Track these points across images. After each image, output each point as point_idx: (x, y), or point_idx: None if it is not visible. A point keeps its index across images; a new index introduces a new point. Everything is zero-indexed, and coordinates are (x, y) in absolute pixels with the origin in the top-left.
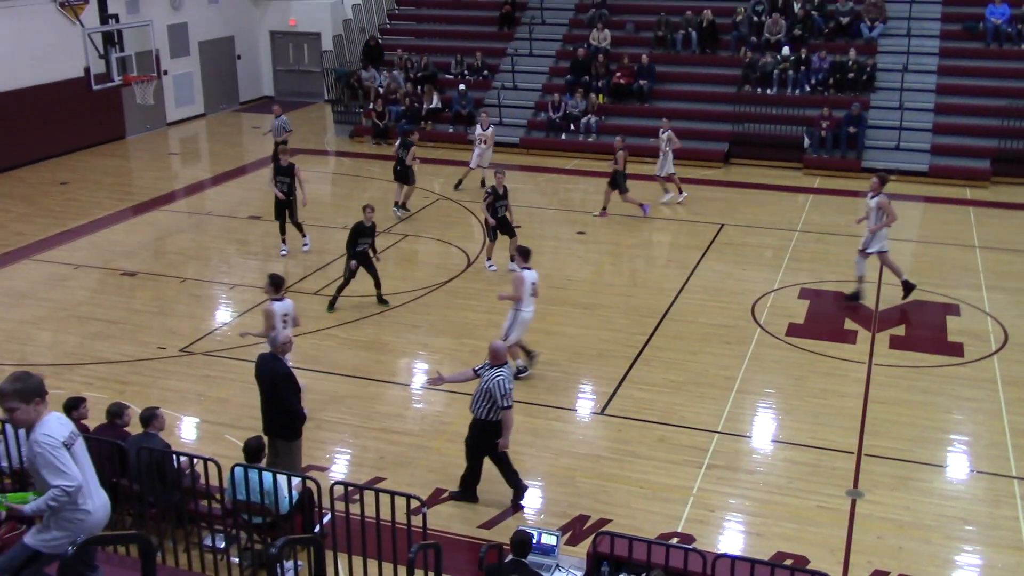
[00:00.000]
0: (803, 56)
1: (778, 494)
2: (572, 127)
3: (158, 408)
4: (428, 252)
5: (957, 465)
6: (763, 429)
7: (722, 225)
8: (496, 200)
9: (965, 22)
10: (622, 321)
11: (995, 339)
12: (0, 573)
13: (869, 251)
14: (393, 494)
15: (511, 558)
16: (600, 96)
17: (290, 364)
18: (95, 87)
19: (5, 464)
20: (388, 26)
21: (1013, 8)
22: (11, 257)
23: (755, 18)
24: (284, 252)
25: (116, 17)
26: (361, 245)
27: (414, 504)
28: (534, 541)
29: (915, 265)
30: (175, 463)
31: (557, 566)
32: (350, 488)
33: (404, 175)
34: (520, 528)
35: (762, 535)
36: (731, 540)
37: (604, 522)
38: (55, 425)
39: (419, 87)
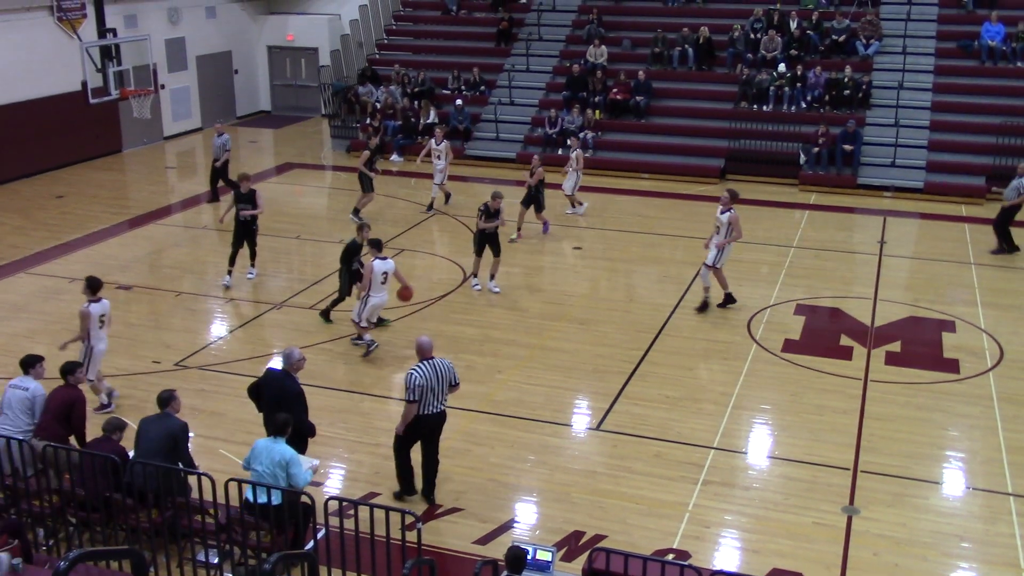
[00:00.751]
0: (799, 73)
1: (774, 510)
2: (568, 143)
3: (175, 390)
4: (424, 267)
5: (953, 482)
6: (759, 445)
7: None
8: (486, 218)
9: (960, 40)
10: (618, 336)
11: (991, 356)
12: None
13: (719, 265)
14: (388, 509)
15: (506, 574)
16: (597, 112)
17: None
18: (92, 101)
19: None
20: (385, 41)
21: (1008, 27)
22: (6, 270)
23: (751, 35)
24: (227, 283)
25: (114, 31)
26: (356, 264)
27: (409, 519)
28: (529, 557)
29: (910, 281)
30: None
31: None
32: (344, 503)
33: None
34: (515, 544)
35: (758, 552)
36: (727, 557)
37: (599, 538)
38: None
39: (416, 102)
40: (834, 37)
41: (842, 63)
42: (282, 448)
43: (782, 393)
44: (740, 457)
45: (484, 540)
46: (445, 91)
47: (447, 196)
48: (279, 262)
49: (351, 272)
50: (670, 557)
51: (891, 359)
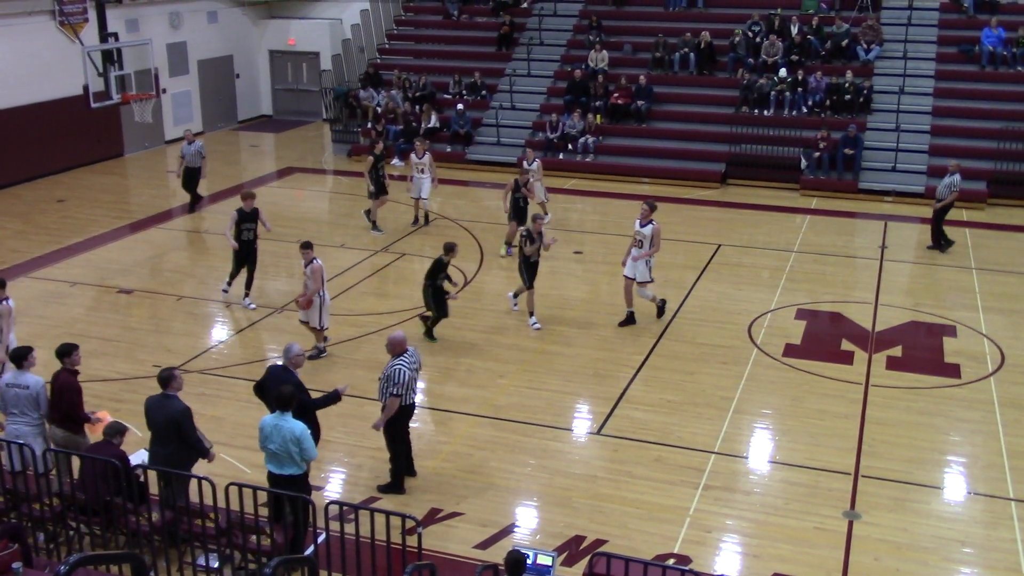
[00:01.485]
0: (800, 78)
1: (775, 515)
2: (570, 147)
3: (176, 368)
4: (425, 271)
5: (954, 486)
6: (760, 450)
7: (719, 245)
8: (529, 243)
9: (961, 45)
10: (619, 341)
11: (992, 360)
12: None
13: (649, 280)
14: (388, 514)
15: None
16: (598, 116)
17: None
18: (94, 105)
19: None
20: (387, 46)
21: (1008, 32)
22: (7, 274)
23: (751, 37)
24: (226, 289)
25: (116, 35)
26: (440, 280)
27: (409, 524)
28: (529, 561)
29: (912, 286)
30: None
31: None
32: (345, 508)
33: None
34: (515, 548)
35: (759, 556)
36: (728, 561)
37: (600, 543)
38: None
39: (417, 106)
40: (835, 41)
41: (843, 68)
42: (291, 424)
43: (783, 398)
44: (741, 462)
45: (484, 544)
46: (446, 95)
47: (426, 217)
48: (280, 266)
49: (436, 288)
50: (671, 562)
51: (892, 364)
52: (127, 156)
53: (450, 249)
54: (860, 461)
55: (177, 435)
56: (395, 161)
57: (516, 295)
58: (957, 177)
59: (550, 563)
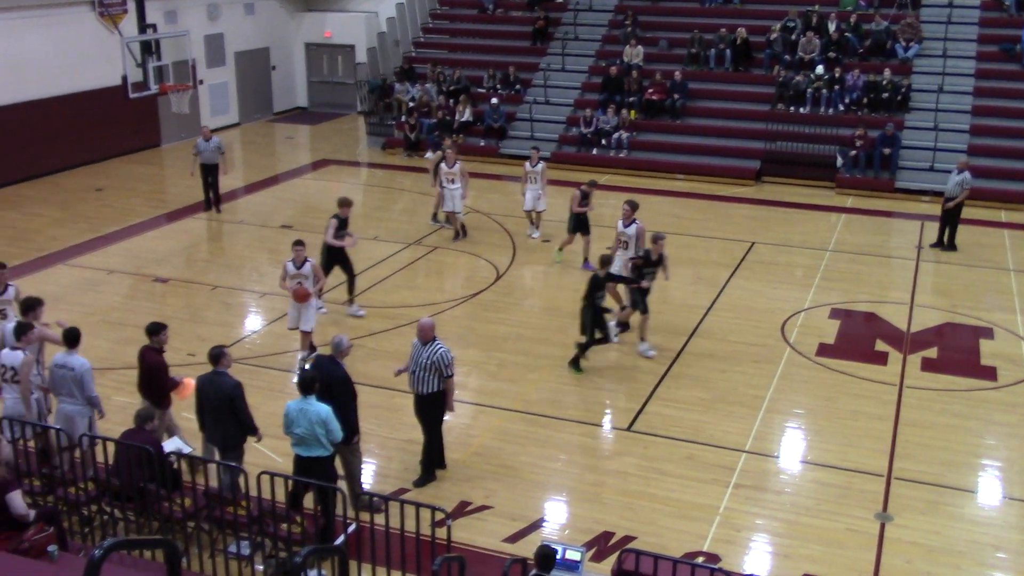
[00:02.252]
0: (837, 75)
1: (806, 515)
2: (604, 142)
3: (225, 347)
4: (457, 265)
5: (989, 490)
6: (792, 449)
7: (753, 243)
8: (646, 267)
9: (1002, 44)
10: (651, 338)
11: None
12: None
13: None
14: (418, 505)
15: (535, 573)
16: (632, 112)
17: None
18: (132, 95)
19: None
20: (422, 39)
21: None
22: (46, 261)
23: (789, 36)
24: (351, 304)
25: (154, 27)
26: (598, 299)
27: (439, 516)
28: (558, 556)
29: (948, 287)
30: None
31: None
32: (375, 499)
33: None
34: (544, 543)
35: (789, 557)
36: (758, 561)
37: (629, 539)
38: None
39: (451, 100)
40: (873, 39)
41: (881, 65)
42: (316, 407)
43: (816, 397)
44: (772, 461)
45: (514, 538)
46: (480, 89)
47: (463, 229)
48: (314, 257)
49: (596, 308)
50: (700, 560)
51: (927, 365)
52: (164, 146)
53: (606, 262)
54: (893, 463)
55: (230, 411)
56: (428, 154)
57: (620, 325)
58: (967, 175)
59: (579, 558)
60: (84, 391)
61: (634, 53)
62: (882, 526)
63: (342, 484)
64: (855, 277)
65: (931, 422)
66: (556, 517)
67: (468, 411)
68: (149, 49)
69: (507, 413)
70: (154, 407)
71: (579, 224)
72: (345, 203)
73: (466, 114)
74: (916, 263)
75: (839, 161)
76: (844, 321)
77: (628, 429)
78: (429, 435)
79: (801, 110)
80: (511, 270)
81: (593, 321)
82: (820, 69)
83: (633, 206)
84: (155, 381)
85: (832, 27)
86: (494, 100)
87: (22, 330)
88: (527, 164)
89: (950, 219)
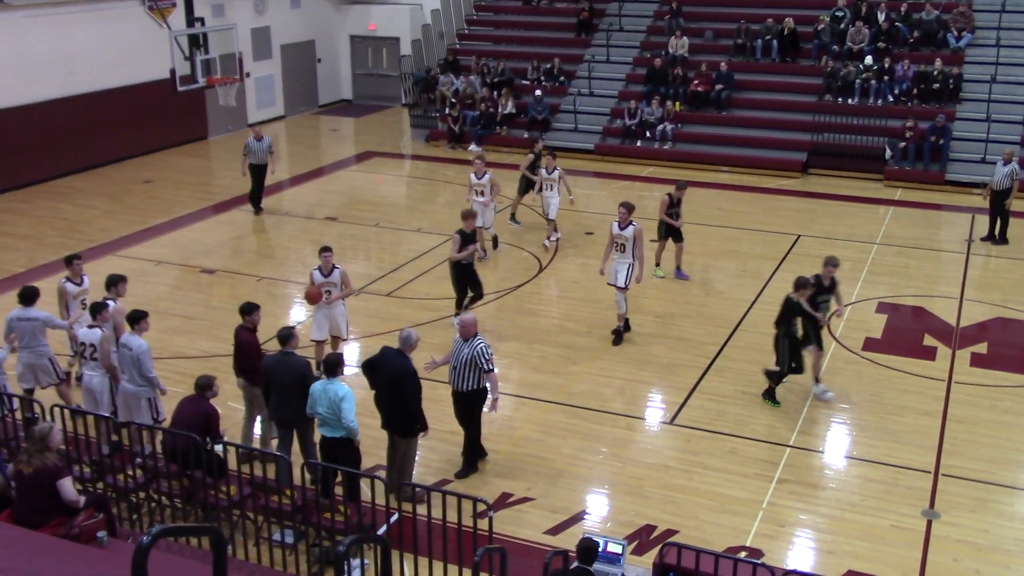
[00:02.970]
0: (886, 65)
1: (851, 511)
2: (648, 134)
3: (294, 327)
4: (499, 257)
5: None
6: (837, 444)
7: (799, 236)
8: (818, 294)
9: None
10: (694, 331)
11: None
12: None
13: (628, 285)
14: (460, 496)
15: (576, 565)
16: (676, 103)
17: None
18: (180, 88)
19: None
20: (466, 31)
21: None
22: (97, 252)
23: (838, 26)
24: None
25: (202, 20)
26: (793, 326)
27: (480, 507)
28: (600, 549)
29: (999, 281)
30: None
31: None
32: (418, 490)
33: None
34: (586, 535)
35: (833, 553)
36: (801, 557)
37: (671, 533)
38: None
39: (495, 92)
40: (924, 28)
41: (932, 55)
42: (336, 387)
43: (861, 392)
44: (817, 456)
45: (555, 530)
46: (524, 81)
47: (495, 241)
48: (358, 249)
49: (792, 337)
50: (743, 555)
51: (976, 361)
52: (211, 139)
53: (802, 285)
54: (941, 459)
55: (300, 391)
56: (472, 147)
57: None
58: (1015, 165)
59: (620, 551)
60: (141, 371)
61: (679, 44)
62: (929, 523)
63: (382, 473)
64: (903, 271)
65: (980, 418)
66: (597, 510)
67: (510, 403)
68: (197, 43)
69: (549, 405)
70: (250, 384)
71: (670, 229)
72: (469, 215)
73: (508, 106)
74: (966, 257)
75: (888, 153)
76: (891, 315)
77: (671, 423)
78: (469, 431)
79: (849, 101)
80: (553, 263)
81: (791, 352)
82: (869, 59)
83: (629, 208)
84: (246, 358)
85: (882, 16)
86: (538, 92)
87: (98, 308)
88: (543, 171)
89: (1001, 212)
